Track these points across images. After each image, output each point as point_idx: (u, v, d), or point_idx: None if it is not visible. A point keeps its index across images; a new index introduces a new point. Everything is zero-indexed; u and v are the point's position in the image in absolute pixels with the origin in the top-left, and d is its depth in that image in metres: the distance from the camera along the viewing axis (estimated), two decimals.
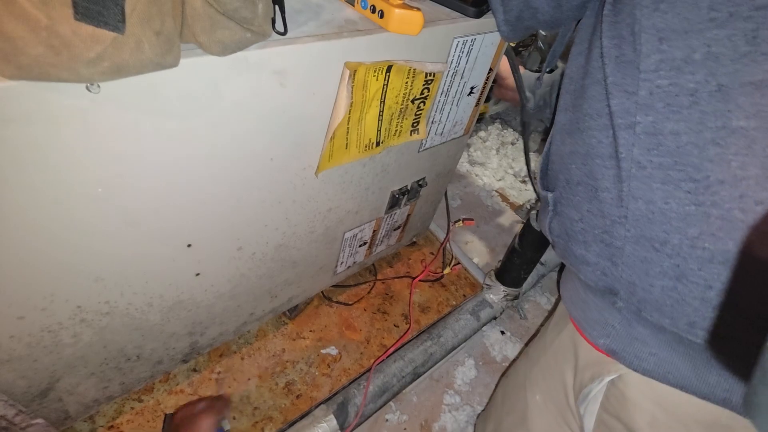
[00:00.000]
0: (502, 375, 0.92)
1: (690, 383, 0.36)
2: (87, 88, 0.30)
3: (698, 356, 0.36)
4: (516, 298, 0.97)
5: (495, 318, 0.96)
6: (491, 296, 0.95)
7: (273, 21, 0.37)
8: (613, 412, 0.43)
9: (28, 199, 0.33)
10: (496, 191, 1.37)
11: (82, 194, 0.35)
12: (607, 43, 0.36)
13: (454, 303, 1.00)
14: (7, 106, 0.28)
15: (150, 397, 0.70)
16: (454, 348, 0.87)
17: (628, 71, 0.34)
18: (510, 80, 0.70)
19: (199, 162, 0.41)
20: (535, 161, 1.46)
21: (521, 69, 0.70)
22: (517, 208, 1.32)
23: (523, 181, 1.41)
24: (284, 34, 0.38)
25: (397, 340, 0.86)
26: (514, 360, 0.98)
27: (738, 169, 0.30)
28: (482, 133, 1.52)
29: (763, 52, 0.28)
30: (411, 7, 0.44)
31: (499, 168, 1.43)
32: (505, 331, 1.03)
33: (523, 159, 1.47)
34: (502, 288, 0.94)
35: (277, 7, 0.37)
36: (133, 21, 0.27)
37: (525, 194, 1.37)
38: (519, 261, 0.88)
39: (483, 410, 0.85)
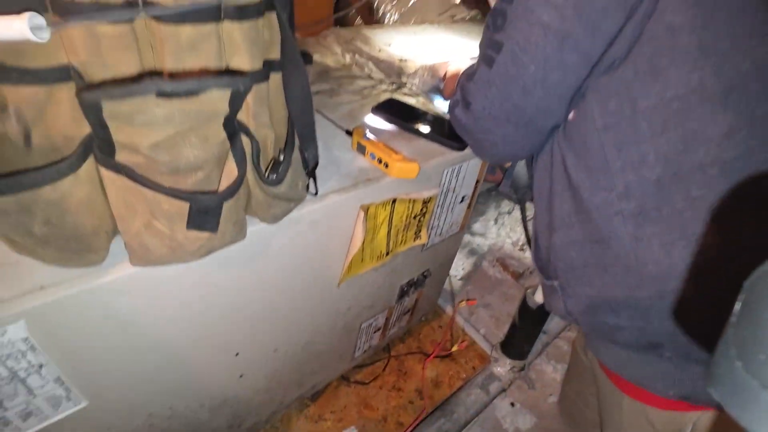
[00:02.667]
0: None
1: None
2: None
3: None
4: (522, 369, 1.03)
5: (504, 390, 1.02)
6: (498, 369, 1.01)
7: (308, 186, 0.51)
8: None
9: (136, 340, 0.44)
10: (497, 260, 1.47)
11: (177, 329, 0.46)
12: (572, 160, 0.45)
13: (464, 376, 1.06)
14: (128, 284, 0.40)
15: None
16: (467, 423, 0.93)
17: (601, 175, 0.43)
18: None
19: (253, 293, 0.52)
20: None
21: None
22: (517, 277, 1.41)
23: (522, 249, 1.52)
24: (316, 194, 0.51)
25: (414, 420, 0.92)
26: None
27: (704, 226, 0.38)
28: (480, 205, 1.65)
29: (695, 145, 0.38)
30: (408, 160, 0.57)
31: (497, 238, 1.54)
32: (515, 403, 1.08)
33: (519, 227, 1.59)
34: (508, 361, 1.01)
35: (311, 179, 0.50)
36: (222, 221, 0.39)
37: (524, 262, 1.47)
38: (520, 336, 0.96)
39: None
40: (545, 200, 0.52)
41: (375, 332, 0.86)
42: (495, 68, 0.46)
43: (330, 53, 1.00)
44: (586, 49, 0.41)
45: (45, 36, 0.25)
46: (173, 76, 0.32)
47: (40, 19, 0.25)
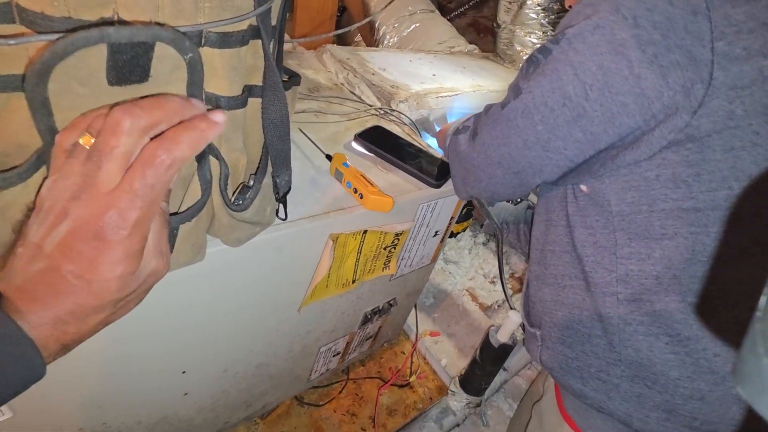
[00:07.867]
0: None
1: None
2: None
3: None
4: (478, 405, 1.03)
5: (458, 425, 1.02)
6: (454, 403, 1.01)
7: (277, 211, 0.50)
8: None
9: None
10: (467, 290, 1.48)
11: (117, 343, 0.44)
12: (582, 231, 0.46)
13: (420, 406, 1.05)
14: None
15: None
16: None
17: (606, 255, 0.44)
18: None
19: (206, 314, 0.50)
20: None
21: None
22: (485, 309, 1.42)
23: (492, 282, 1.53)
24: (285, 219, 0.51)
25: None
26: None
27: (698, 330, 0.40)
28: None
29: (702, 258, 0.38)
30: (384, 194, 0.57)
31: (470, 267, 1.56)
32: None
33: (492, 260, 1.61)
34: (465, 396, 1.01)
35: (281, 204, 0.49)
36: (178, 242, 0.38)
37: (493, 295, 1.48)
38: (480, 372, 0.96)
39: None
40: (539, 253, 0.52)
41: (334, 356, 0.85)
42: (506, 112, 0.47)
43: (324, 71, 1.00)
44: (596, 134, 0.41)
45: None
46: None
47: None
